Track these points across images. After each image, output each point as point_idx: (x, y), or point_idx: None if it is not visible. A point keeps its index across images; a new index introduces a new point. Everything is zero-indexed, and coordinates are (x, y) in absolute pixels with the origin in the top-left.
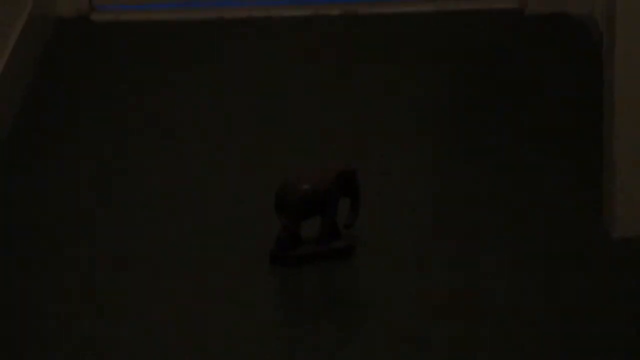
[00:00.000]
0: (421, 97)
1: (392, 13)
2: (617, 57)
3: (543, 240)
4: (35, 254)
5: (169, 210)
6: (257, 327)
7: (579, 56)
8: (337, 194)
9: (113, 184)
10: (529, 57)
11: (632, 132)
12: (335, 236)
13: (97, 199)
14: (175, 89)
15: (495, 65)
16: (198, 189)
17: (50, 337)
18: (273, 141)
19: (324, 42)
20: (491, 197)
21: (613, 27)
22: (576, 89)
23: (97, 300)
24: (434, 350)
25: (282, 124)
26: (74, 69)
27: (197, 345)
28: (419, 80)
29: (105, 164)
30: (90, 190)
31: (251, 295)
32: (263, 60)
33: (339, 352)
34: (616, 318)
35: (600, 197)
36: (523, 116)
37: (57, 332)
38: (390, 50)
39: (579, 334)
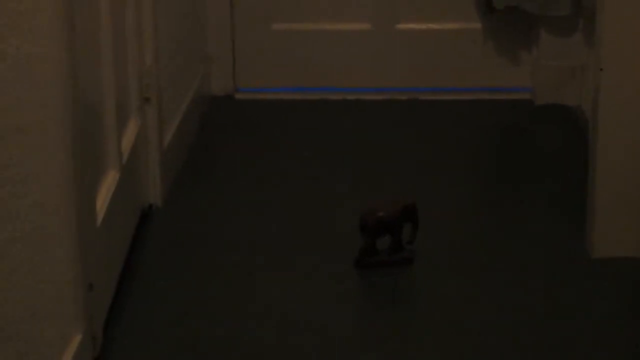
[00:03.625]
0: (462, 158)
1: (442, 99)
2: (599, 136)
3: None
4: None
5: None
6: (337, 313)
7: (571, 134)
8: (403, 220)
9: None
10: (539, 133)
11: (608, 184)
12: (400, 250)
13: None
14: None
15: (516, 137)
16: (301, 205)
17: None
18: (361, 180)
19: (398, 117)
20: (498, 227)
21: (596, 115)
22: (567, 154)
23: None
24: (472, 334)
25: (368, 170)
26: (223, 134)
27: (279, 332)
28: (460, 145)
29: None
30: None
31: (338, 291)
32: (355, 128)
33: (403, 335)
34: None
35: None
36: (527, 176)
37: None
38: (443, 126)
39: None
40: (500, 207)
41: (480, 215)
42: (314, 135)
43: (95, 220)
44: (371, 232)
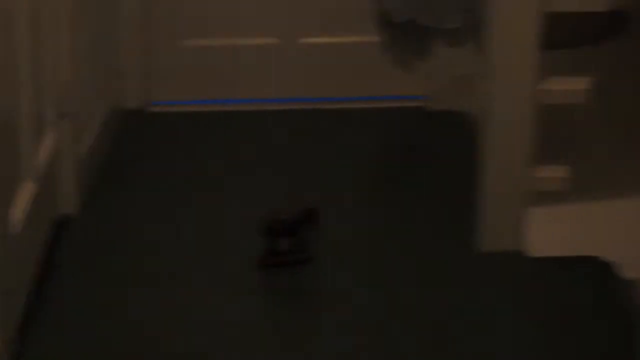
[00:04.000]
0: (362, 163)
1: (344, 108)
2: (489, 135)
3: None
4: None
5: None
6: (244, 310)
7: (463, 138)
8: (303, 222)
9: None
10: (433, 138)
11: (495, 184)
12: (301, 251)
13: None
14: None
15: (412, 142)
16: (211, 211)
17: None
18: (266, 186)
19: (302, 125)
20: (394, 227)
21: (486, 120)
22: (459, 156)
23: None
24: (368, 329)
25: (273, 175)
26: (137, 146)
27: (188, 327)
28: (360, 151)
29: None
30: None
31: (241, 289)
32: (262, 137)
33: (305, 325)
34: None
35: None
36: (425, 174)
37: None
38: (344, 133)
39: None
40: (396, 207)
41: (376, 216)
42: (223, 144)
43: (10, 229)
44: (273, 234)
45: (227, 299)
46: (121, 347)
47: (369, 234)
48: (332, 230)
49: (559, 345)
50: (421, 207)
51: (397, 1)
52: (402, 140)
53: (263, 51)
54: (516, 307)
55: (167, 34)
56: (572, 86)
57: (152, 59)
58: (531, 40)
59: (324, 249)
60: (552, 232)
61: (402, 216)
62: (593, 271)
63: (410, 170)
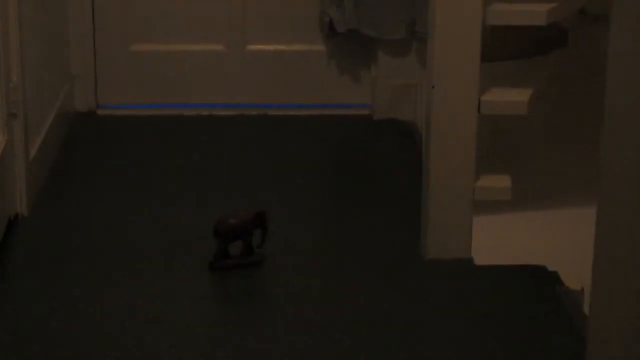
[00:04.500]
0: (309, 169)
1: (289, 114)
2: (431, 144)
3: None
4: None
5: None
6: (193, 312)
7: (407, 146)
8: (253, 226)
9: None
10: (377, 146)
11: (439, 192)
12: (251, 254)
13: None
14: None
15: (356, 149)
16: (161, 214)
17: None
18: (216, 190)
19: (249, 131)
20: (342, 232)
21: (429, 129)
22: (402, 164)
23: None
24: (317, 330)
25: (222, 180)
26: (86, 148)
27: (140, 329)
28: (307, 157)
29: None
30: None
31: (193, 291)
32: (209, 142)
33: (253, 329)
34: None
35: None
36: (370, 181)
37: None
38: (290, 139)
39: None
40: (343, 213)
41: (324, 220)
42: (171, 148)
43: None
44: (224, 237)
45: (179, 301)
46: (65, 346)
47: (316, 240)
48: (281, 235)
49: (504, 356)
50: (366, 214)
51: (341, 11)
52: (348, 147)
53: (211, 57)
54: (460, 314)
55: (117, 38)
56: (514, 97)
57: (102, 62)
58: (473, 52)
59: (273, 253)
60: (497, 241)
61: (347, 223)
62: (538, 280)
63: (356, 177)
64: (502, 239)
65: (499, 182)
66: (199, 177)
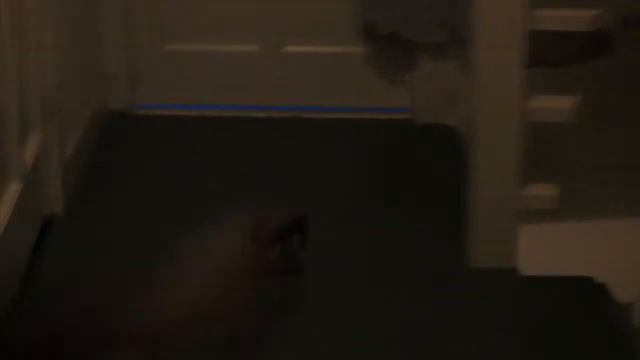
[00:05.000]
0: (346, 173)
1: (326, 117)
2: (477, 152)
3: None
4: None
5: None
6: None
7: (448, 152)
8: (292, 231)
9: None
10: (419, 151)
11: (483, 199)
12: (290, 260)
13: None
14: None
15: (397, 154)
16: (195, 214)
17: None
18: (252, 192)
19: (284, 133)
20: (383, 239)
21: (474, 136)
22: (445, 170)
23: None
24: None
25: (258, 182)
26: (120, 148)
27: None
28: (349, 160)
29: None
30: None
31: None
32: (245, 143)
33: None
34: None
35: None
36: (411, 187)
37: None
38: (327, 142)
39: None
40: (385, 220)
41: (364, 227)
42: (205, 149)
43: None
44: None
45: None
46: None
47: (358, 247)
48: (321, 241)
49: None
50: (409, 221)
51: (381, 14)
52: (389, 152)
53: (247, 58)
54: (505, 325)
55: (152, 38)
56: (558, 104)
57: (137, 61)
58: (516, 58)
59: (313, 260)
60: (544, 251)
61: (389, 231)
62: (586, 292)
63: (398, 183)
64: (548, 249)
65: (545, 191)
66: (233, 179)
